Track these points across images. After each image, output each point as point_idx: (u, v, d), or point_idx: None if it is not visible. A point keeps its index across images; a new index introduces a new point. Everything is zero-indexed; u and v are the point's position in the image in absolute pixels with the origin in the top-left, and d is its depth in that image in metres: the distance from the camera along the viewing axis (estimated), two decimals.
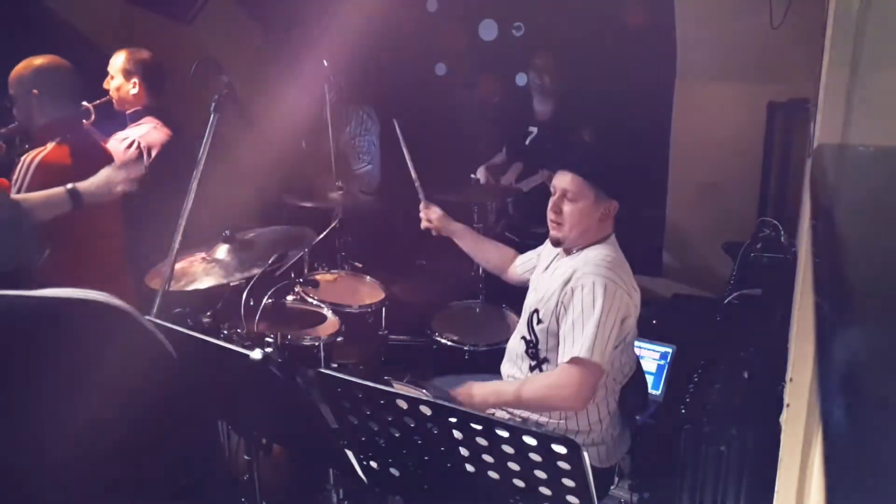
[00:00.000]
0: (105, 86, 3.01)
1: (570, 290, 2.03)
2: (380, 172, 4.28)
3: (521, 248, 2.63)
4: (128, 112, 3.03)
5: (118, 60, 3.00)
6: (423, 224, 2.68)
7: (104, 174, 2.36)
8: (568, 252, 2.21)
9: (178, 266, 2.37)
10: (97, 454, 0.89)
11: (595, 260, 2.07)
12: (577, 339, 1.96)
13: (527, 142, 4.09)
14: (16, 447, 0.87)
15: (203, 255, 2.41)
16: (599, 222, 2.12)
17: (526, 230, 3.68)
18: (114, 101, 3.02)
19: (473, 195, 3.51)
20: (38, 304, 0.91)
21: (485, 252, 2.63)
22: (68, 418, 0.88)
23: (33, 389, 0.89)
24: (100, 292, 0.94)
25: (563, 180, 2.11)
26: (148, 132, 2.95)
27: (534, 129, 4.07)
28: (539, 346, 2.15)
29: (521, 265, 2.50)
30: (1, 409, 0.87)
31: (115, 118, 3.06)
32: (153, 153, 2.90)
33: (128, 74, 2.99)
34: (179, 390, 1.01)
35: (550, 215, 2.15)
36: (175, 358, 1.01)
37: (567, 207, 2.10)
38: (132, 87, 2.99)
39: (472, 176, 3.65)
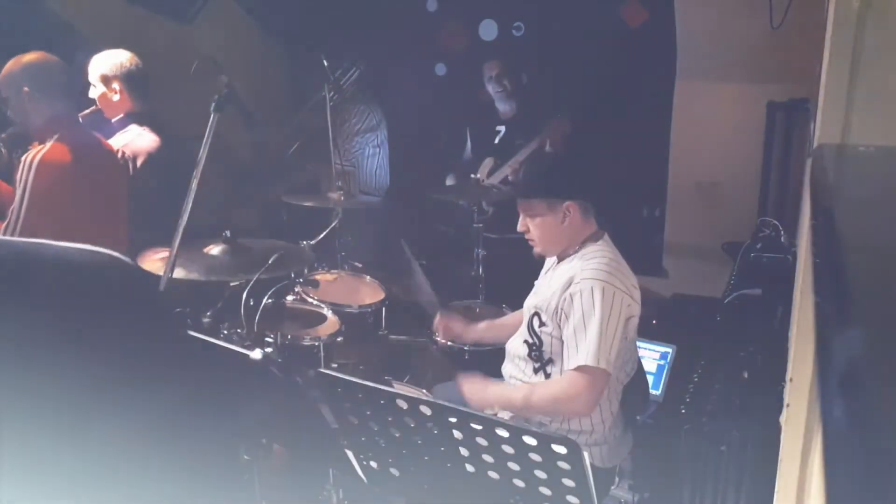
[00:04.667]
0: (90, 94, 2.82)
1: (570, 296, 2.03)
2: (388, 173, 4.29)
3: (499, 245, 2.52)
4: (113, 120, 2.84)
5: (94, 66, 2.80)
6: (443, 339, 2.55)
7: None
8: (562, 258, 2.21)
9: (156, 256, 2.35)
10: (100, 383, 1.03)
11: (592, 263, 2.07)
12: (580, 346, 1.97)
13: (496, 140, 4.09)
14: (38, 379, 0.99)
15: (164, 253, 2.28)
16: (571, 226, 2.13)
17: (503, 231, 3.62)
18: (102, 109, 2.83)
19: (473, 195, 3.51)
20: (58, 252, 1.08)
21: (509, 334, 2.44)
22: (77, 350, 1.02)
23: (51, 327, 1.02)
24: (108, 250, 1.09)
25: (519, 206, 2.20)
26: (132, 140, 2.77)
27: (501, 128, 4.08)
28: (543, 348, 2.15)
29: None
30: (22, 345, 0.99)
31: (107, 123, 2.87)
32: (139, 162, 2.73)
33: (107, 80, 2.80)
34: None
35: (526, 236, 2.22)
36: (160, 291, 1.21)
37: (531, 224, 2.18)
38: (113, 94, 2.81)
39: (473, 176, 3.64)
